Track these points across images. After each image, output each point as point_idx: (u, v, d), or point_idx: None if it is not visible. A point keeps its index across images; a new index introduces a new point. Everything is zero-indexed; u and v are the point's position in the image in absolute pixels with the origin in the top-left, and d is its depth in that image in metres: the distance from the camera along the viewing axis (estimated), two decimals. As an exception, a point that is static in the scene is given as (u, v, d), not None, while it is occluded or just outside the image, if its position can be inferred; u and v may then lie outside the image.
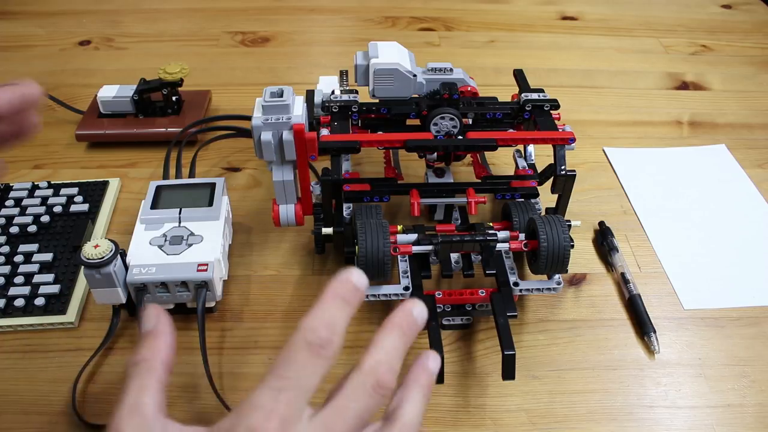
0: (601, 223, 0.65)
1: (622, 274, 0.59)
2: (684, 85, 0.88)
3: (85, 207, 0.63)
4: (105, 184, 0.67)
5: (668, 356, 0.54)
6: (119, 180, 0.68)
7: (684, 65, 0.92)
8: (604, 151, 0.75)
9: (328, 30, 1.00)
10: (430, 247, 0.52)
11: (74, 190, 0.65)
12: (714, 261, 0.62)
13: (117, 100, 0.73)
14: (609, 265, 0.61)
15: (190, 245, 0.54)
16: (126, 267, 0.52)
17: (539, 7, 1.06)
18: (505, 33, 0.99)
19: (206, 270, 0.52)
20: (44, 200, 0.64)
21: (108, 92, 0.73)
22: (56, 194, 0.65)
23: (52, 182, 0.66)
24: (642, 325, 0.55)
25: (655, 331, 0.54)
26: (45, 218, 0.62)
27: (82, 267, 0.49)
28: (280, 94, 0.53)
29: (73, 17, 1.00)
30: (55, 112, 0.79)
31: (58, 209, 0.63)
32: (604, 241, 0.63)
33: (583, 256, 0.62)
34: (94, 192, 0.66)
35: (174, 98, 0.75)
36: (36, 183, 0.66)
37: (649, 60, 0.93)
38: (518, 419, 0.49)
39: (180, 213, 0.57)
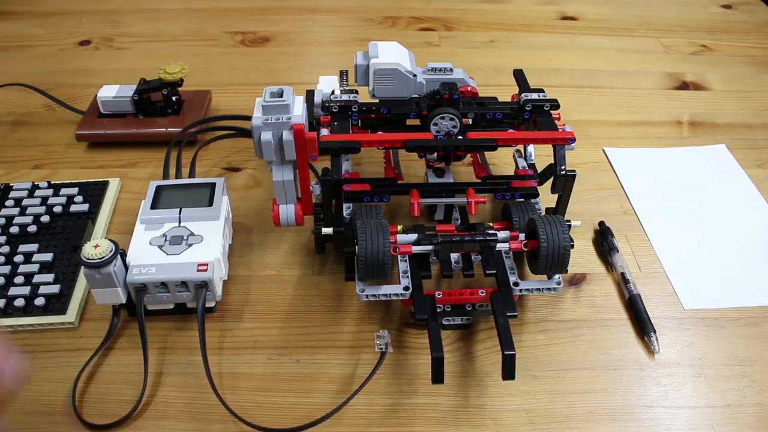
0: (601, 223, 0.65)
1: (622, 274, 0.59)
2: (684, 85, 0.88)
3: (85, 207, 0.63)
4: (105, 184, 0.67)
5: (668, 356, 0.54)
6: (119, 180, 0.68)
7: (684, 65, 0.92)
8: (604, 151, 0.75)
9: (328, 30, 1.00)
10: (430, 247, 0.52)
11: (74, 190, 0.65)
12: (714, 261, 0.62)
13: (117, 100, 0.73)
14: (609, 265, 0.61)
15: (190, 245, 0.54)
16: (126, 267, 0.52)
17: (539, 7, 1.06)
18: (505, 33, 0.99)
19: (206, 270, 0.52)
20: (44, 200, 0.64)
21: (108, 92, 0.73)
22: (56, 194, 0.65)
23: (52, 182, 0.66)
24: (642, 325, 0.55)
25: (655, 331, 0.54)
26: (45, 218, 0.61)
27: (82, 267, 0.49)
28: (280, 94, 0.53)
29: (73, 17, 1.00)
30: (55, 112, 0.79)
31: (58, 209, 0.63)
32: (604, 241, 0.63)
33: (583, 256, 0.62)
34: (94, 192, 0.66)
35: (174, 98, 0.75)
36: (36, 183, 0.66)
37: (649, 60, 0.93)
38: (518, 419, 0.49)
39: (180, 213, 0.57)
